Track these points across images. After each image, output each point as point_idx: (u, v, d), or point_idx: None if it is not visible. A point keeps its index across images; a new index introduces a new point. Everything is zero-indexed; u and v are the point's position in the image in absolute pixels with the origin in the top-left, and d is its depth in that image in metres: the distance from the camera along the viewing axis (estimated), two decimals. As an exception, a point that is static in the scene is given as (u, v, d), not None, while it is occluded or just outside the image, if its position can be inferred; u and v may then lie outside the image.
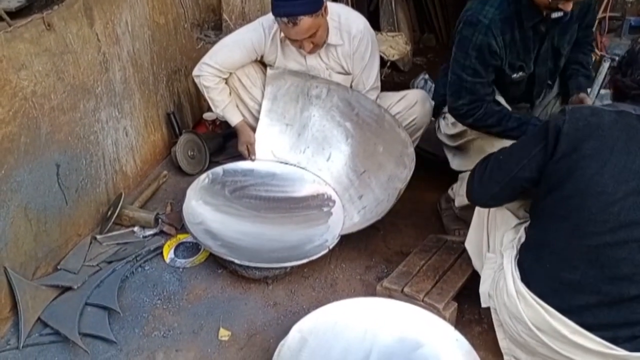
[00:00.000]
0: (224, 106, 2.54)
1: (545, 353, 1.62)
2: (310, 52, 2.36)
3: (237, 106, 2.56)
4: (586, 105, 1.64)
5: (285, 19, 2.19)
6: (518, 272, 1.65)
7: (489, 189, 1.74)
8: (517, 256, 1.69)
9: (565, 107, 1.63)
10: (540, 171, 1.61)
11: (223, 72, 2.48)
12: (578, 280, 1.54)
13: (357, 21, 2.41)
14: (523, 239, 1.72)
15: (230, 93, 2.55)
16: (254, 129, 2.56)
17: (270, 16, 2.44)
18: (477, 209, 1.95)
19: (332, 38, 2.38)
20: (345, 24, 2.38)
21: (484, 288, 1.80)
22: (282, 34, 2.38)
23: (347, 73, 2.49)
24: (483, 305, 1.80)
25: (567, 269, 1.56)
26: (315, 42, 2.30)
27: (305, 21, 2.18)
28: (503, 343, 1.77)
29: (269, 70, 2.51)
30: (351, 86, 2.50)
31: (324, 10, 2.25)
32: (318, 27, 2.24)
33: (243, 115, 2.58)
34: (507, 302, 1.65)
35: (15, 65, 1.85)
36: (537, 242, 1.64)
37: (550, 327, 1.57)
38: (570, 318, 1.54)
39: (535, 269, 1.61)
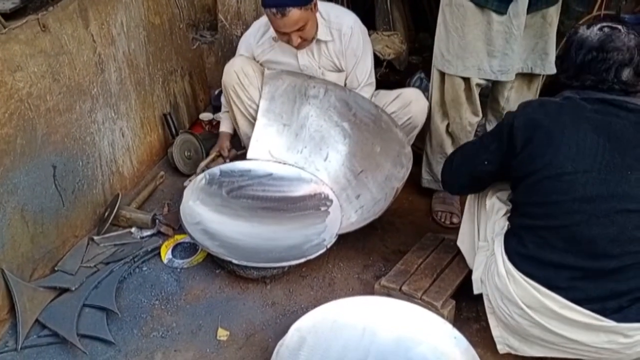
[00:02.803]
0: (224, 110, 2.70)
1: (537, 334, 1.65)
2: (299, 46, 2.37)
3: (237, 105, 2.55)
4: (535, 99, 1.72)
5: (274, 10, 2.20)
6: (506, 255, 1.69)
7: (458, 180, 1.93)
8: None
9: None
10: (501, 165, 1.73)
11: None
12: (559, 259, 1.60)
13: (346, 18, 2.43)
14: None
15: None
16: (251, 128, 2.56)
17: (257, 21, 2.49)
18: (466, 206, 1.99)
19: (322, 35, 2.39)
20: (335, 22, 2.40)
21: (476, 275, 1.83)
22: (273, 33, 2.39)
23: (340, 70, 2.50)
24: (475, 291, 1.83)
25: (547, 249, 1.61)
26: (304, 37, 2.32)
27: (294, 13, 2.19)
28: (496, 331, 1.79)
29: (266, 71, 2.52)
30: (345, 83, 2.51)
31: (313, 5, 2.27)
32: (307, 21, 2.26)
33: (238, 117, 2.58)
34: (498, 284, 1.69)
35: (10, 67, 1.84)
36: (519, 227, 1.70)
37: (539, 303, 1.61)
38: (558, 294, 1.58)
39: (519, 251, 1.66)
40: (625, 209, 1.54)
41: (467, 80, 2.24)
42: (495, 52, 2.14)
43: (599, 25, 1.62)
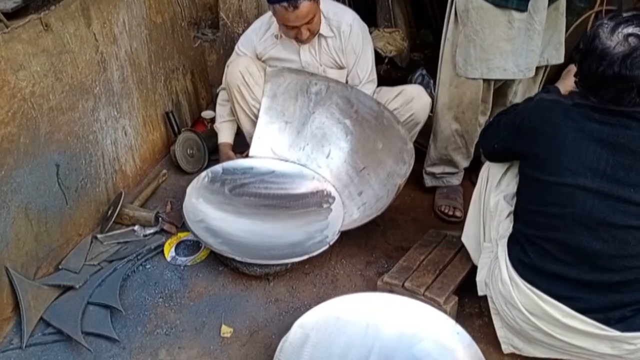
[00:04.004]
0: (221, 120, 2.67)
1: (541, 338, 1.65)
2: (307, 40, 2.38)
3: (241, 105, 2.54)
4: (548, 98, 1.66)
5: (285, 4, 2.21)
6: (510, 262, 1.68)
7: (486, 149, 1.92)
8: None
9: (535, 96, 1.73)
10: (508, 154, 1.76)
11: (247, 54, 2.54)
12: (561, 270, 1.59)
13: (345, 15, 2.44)
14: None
15: (230, 112, 2.63)
16: (250, 136, 2.56)
17: (259, 19, 2.50)
18: (472, 200, 1.99)
19: (323, 30, 2.41)
20: (334, 19, 2.42)
21: (480, 277, 1.83)
22: (278, 30, 2.40)
23: (341, 67, 2.50)
24: (480, 293, 1.83)
25: (549, 260, 1.60)
26: (312, 30, 2.34)
27: (305, 5, 2.22)
28: (500, 332, 1.79)
29: (268, 68, 2.52)
30: (347, 81, 2.51)
31: None
32: (315, 13, 2.29)
33: (241, 116, 2.58)
34: (501, 290, 1.69)
35: (13, 66, 1.85)
36: (521, 235, 1.68)
37: (543, 311, 1.60)
38: (562, 303, 1.58)
39: (522, 259, 1.66)
40: (627, 225, 1.50)
41: (487, 81, 2.22)
42: (520, 50, 2.12)
43: (625, 31, 1.44)
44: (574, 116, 1.55)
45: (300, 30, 2.30)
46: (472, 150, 2.48)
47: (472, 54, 2.15)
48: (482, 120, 2.37)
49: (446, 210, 2.48)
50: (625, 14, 1.48)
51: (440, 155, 2.49)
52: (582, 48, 1.54)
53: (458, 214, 2.46)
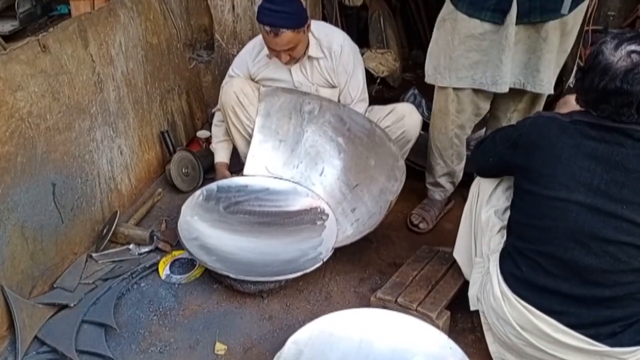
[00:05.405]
0: (217, 140, 2.72)
1: (532, 353, 1.66)
2: (287, 63, 2.43)
3: (235, 125, 2.58)
4: (546, 115, 1.70)
5: (267, 28, 2.27)
6: (501, 276, 1.70)
7: (477, 164, 1.96)
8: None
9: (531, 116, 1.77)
10: (502, 168, 1.79)
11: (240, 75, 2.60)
12: (553, 284, 1.60)
13: (336, 36, 2.50)
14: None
15: (225, 133, 2.67)
16: (244, 155, 2.60)
17: (252, 40, 2.57)
18: (463, 216, 2.01)
19: (313, 52, 2.46)
20: (326, 40, 2.47)
21: (472, 291, 1.84)
22: (267, 50, 2.45)
23: (332, 86, 2.55)
24: (472, 308, 1.84)
25: (541, 274, 1.62)
26: (293, 56, 2.40)
27: (287, 35, 2.27)
28: (492, 347, 1.80)
29: (261, 88, 2.56)
30: (339, 99, 2.56)
31: (306, 27, 2.34)
32: (297, 43, 2.34)
33: (236, 136, 2.62)
34: (493, 304, 1.70)
35: (11, 87, 1.88)
36: (514, 248, 1.70)
37: (534, 326, 1.61)
38: (553, 318, 1.59)
39: (514, 273, 1.67)
40: (618, 241, 1.52)
41: (460, 91, 2.26)
42: (489, 63, 2.16)
43: (628, 48, 1.47)
44: (571, 133, 1.57)
45: (280, 53, 2.36)
46: (442, 167, 2.52)
47: (442, 62, 2.23)
48: (459, 132, 2.40)
49: (413, 219, 2.54)
50: (628, 34, 1.53)
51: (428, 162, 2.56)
52: (585, 64, 1.58)
53: (422, 225, 2.52)
